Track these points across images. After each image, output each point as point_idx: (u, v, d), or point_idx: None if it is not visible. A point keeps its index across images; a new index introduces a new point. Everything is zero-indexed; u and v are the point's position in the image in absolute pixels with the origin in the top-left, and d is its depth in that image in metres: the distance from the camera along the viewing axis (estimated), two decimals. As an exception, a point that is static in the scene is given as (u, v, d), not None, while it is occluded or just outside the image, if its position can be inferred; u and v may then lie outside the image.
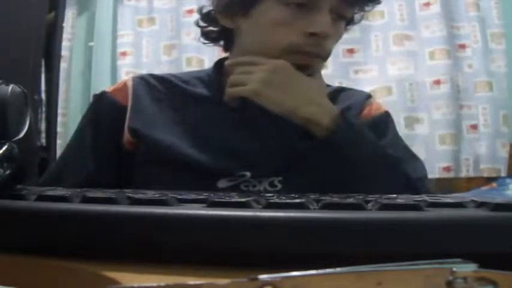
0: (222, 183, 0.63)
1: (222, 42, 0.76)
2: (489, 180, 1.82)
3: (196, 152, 0.65)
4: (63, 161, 0.73)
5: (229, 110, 0.68)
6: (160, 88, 0.72)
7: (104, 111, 0.71)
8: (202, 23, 0.76)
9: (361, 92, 0.81)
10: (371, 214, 0.24)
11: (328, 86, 0.78)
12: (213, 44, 0.77)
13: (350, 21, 0.76)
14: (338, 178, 0.62)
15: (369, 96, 0.78)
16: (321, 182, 0.65)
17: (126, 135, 0.68)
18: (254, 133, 0.67)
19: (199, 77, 0.74)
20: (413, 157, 0.74)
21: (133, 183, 0.67)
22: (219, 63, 0.75)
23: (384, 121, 0.75)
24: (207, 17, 0.75)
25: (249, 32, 0.69)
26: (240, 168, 0.64)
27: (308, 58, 0.66)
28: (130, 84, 0.72)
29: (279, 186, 0.64)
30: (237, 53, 0.71)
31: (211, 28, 0.76)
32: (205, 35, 0.77)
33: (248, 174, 0.63)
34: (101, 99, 0.73)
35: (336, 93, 0.75)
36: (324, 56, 0.69)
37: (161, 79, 0.74)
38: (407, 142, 0.79)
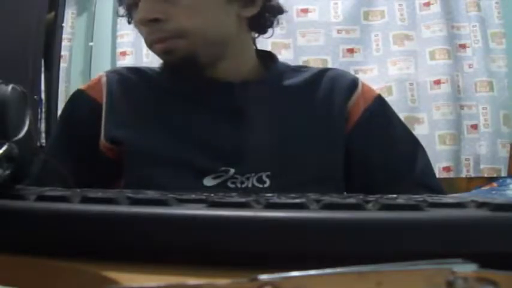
0: (207, 181, 0.61)
1: None
2: (489, 180, 1.82)
3: (178, 150, 0.63)
4: (43, 163, 0.71)
5: (209, 103, 0.66)
6: (137, 81, 0.69)
7: (79, 109, 0.69)
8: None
9: (345, 74, 0.74)
10: (371, 214, 0.24)
11: (305, 66, 0.76)
12: None
13: None
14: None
15: (354, 82, 0.72)
16: (313, 176, 0.64)
17: (103, 142, 0.66)
18: (237, 126, 0.65)
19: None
20: (417, 144, 0.72)
21: (111, 185, 0.65)
22: None
23: (381, 110, 0.71)
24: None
25: None
26: (223, 163, 0.62)
27: (160, 45, 0.63)
28: (104, 80, 0.69)
29: (268, 181, 0.62)
30: None
31: None
32: None
33: (232, 170, 0.62)
34: (76, 97, 0.71)
35: (320, 75, 0.72)
36: (177, 34, 0.62)
37: (137, 71, 0.71)
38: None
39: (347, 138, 0.68)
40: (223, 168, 0.62)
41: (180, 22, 0.62)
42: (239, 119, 0.65)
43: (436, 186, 0.69)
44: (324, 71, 0.73)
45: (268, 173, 0.62)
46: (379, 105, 0.71)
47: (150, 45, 0.65)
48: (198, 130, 0.65)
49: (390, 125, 0.72)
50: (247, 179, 0.62)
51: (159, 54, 0.65)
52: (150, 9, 0.62)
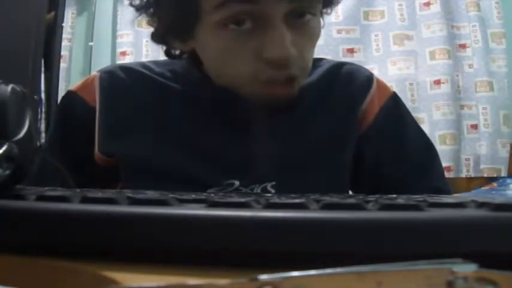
0: None
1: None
2: (489, 180, 1.82)
3: (178, 161, 0.59)
4: (38, 167, 0.67)
5: (212, 110, 0.62)
6: (132, 84, 0.64)
7: (71, 113, 0.65)
8: (157, 43, 0.64)
9: (360, 71, 0.69)
10: (371, 214, 0.24)
11: (320, 59, 0.70)
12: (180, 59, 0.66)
13: (328, 3, 0.61)
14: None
15: (369, 79, 0.68)
16: (320, 182, 0.62)
17: (97, 154, 0.62)
18: (243, 135, 0.60)
19: (173, 70, 0.65)
20: (431, 145, 0.70)
21: (109, 187, 0.63)
22: (193, 55, 0.63)
23: (396, 108, 0.68)
24: (159, 39, 0.63)
25: (203, 55, 0.59)
26: (227, 176, 0.58)
27: (282, 87, 0.54)
28: (97, 82, 0.64)
29: (273, 192, 0.59)
30: (209, 69, 0.61)
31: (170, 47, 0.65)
32: (168, 53, 0.66)
33: (237, 183, 0.58)
34: (67, 99, 0.66)
35: (335, 70, 0.67)
36: (302, 74, 0.56)
37: (132, 72, 0.65)
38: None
39: (361, 139, 0.65)
40: (228, 182, 0.58)
41: (306, 58, 0.54)
42: (245, 127, 0.60)
43: (447, 189, 0.67)
44: (338, 67, 0.68)
45: (274, 183, 0.59)
46: (394, 104, 0.69)
47: (260, 82, 0.53)
48: (200, 140, 0.61)
49: (405, 124, 0.69)
50: (252, 190, 0.59)
51: (271, 97, 0.54)
52: (287, 43, 0.49)
